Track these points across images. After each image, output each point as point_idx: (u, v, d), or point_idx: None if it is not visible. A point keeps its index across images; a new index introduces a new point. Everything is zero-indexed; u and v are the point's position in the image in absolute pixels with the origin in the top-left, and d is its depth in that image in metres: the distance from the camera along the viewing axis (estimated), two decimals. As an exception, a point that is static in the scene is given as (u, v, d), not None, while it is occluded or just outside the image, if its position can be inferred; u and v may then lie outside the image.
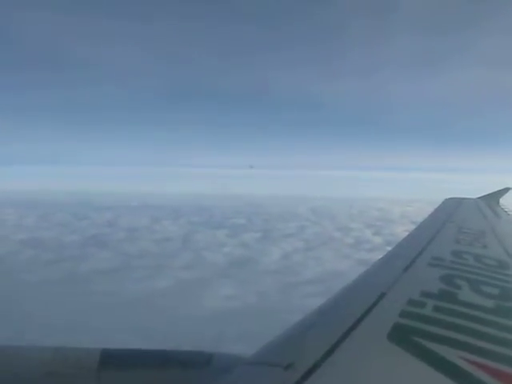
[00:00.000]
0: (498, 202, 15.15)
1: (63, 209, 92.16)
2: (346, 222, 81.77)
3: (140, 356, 2.91)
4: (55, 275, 36.27)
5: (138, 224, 72.20)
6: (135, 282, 34.90)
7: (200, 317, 26.79)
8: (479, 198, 15.55)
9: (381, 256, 5.52)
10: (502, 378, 2.24)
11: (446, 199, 14.03)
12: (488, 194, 16.13)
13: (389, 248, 6.11)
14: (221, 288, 34.07)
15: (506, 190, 16.52)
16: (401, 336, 2.67)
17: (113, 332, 22.87)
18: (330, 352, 2.40)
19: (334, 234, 65.74)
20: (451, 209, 11.64)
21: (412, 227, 8.43)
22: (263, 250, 51.21)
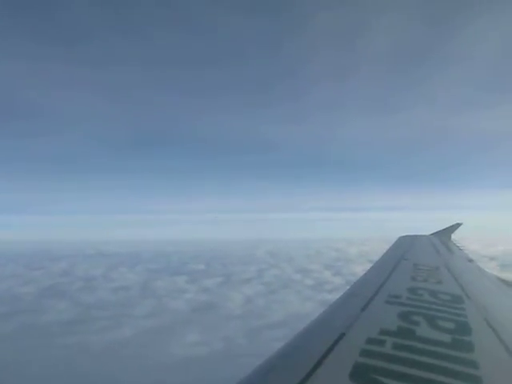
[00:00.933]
0: (450, 238, 15.40)
1: (16, 259, 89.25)
2: (304, 264, 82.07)
3: None
4: (10, 328, 34.84)
5: (95, 273, 70.42)
6: (97, 333, 33.76)
7: (168, 365, 26.22)
8: (432, 234, 15.85)
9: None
10: None
11: (400, 237, 14.14)
12: (440, 230, 16.53)
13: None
14: (186, 335, 33.40)
15: (457, 225, 17.06)
16: (362, 375, 2.69)
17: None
18: None
19: (294, 277, 65.60)
20: (405, 246, 11.74)
21: (370, 266, 8.44)
22: (225, 295, 50.65)
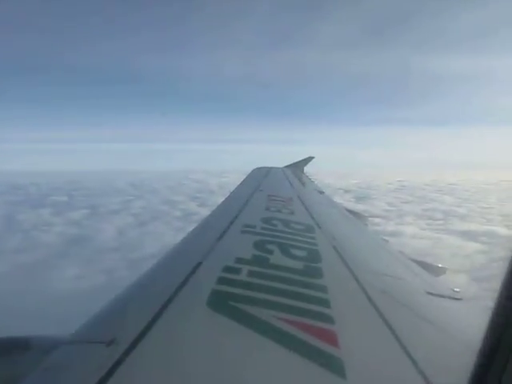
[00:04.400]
0: (303, 170, 16.38)
1: None
2: (168, 195, 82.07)
3: None
4: None
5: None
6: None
7: (51, 299, 25.55)
8: (285, 166, 16.43)
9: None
10: (312, 331, 2.47)
11: (255, 169, 14.52)
12: (293, 163, 17.12)
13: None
14: (64, 269, 32.55)
15: (310, 158, 17.77)
16: (219, 302, 2.76)
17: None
18: (151, 323, 2.42)
19: (161, 208, 65.64)
20: (260, 178, 12.04)
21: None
22: (95, 227, 49.63)
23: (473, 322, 4.03)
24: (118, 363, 2.02)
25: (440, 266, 6.67)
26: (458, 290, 4.83)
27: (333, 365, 2.16)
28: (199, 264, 3.49)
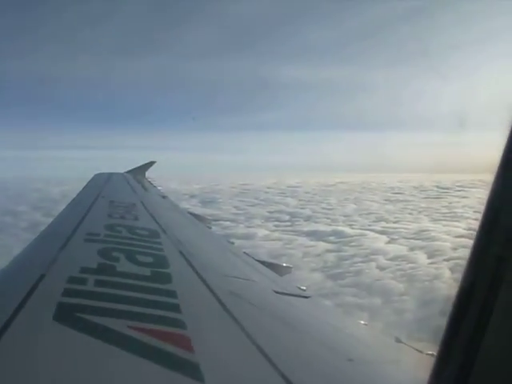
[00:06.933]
0: (145, 175, 16.31)
1: None
2: (8, 206, 76.00)
3: None
4: None
5: None
6: None
7: None
8: (127, 172, 16.14)
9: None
10: (165, 337, 2.43)
11: (96, 174, 14.08)
12: (135, 168, 16.89)
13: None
14: None
15: (151, 163, 17.62)
16: (67, 315, 2.59)
17: None
18: None
19: (3, 219, 60.68)
20: (101, 184, 11.77)
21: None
22: None
23: (321, 317, 4.44)
24: None
25: (285, 265, 7.06)
26: (304, 287, 5.32)
27: (189, 369, 2.15)
28: (42, 276, 3.28)
